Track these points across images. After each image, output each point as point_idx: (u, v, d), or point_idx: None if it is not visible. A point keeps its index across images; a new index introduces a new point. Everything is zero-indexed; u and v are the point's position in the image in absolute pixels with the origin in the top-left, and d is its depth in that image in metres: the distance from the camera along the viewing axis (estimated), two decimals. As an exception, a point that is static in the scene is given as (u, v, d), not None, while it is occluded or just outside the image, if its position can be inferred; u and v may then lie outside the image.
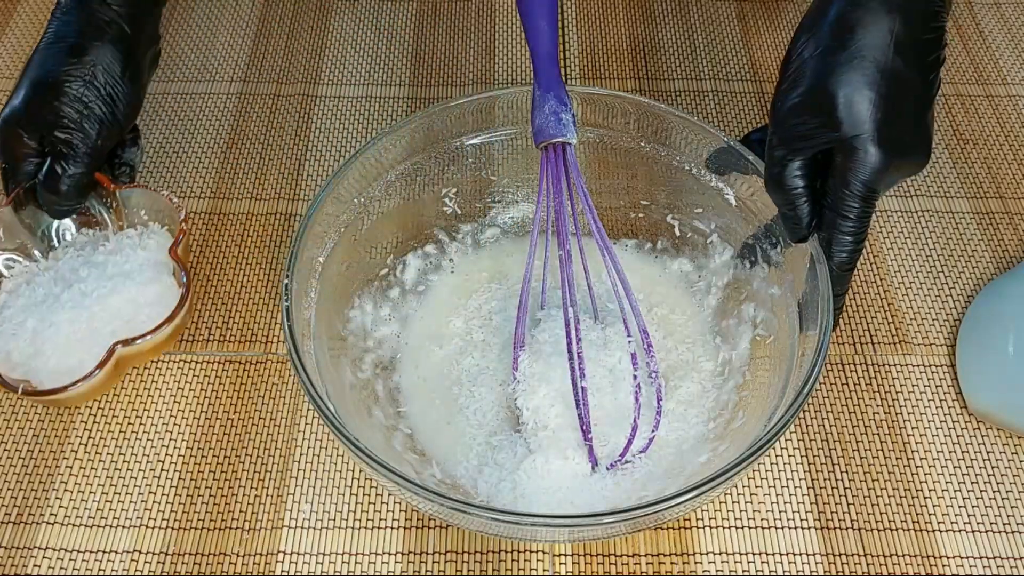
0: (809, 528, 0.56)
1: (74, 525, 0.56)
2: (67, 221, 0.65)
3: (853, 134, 0.49)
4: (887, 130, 0.49)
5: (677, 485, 0.51)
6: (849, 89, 0.49)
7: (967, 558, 0.55)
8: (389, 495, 0.57)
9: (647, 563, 0.55)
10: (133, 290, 0.60)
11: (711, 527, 0.56)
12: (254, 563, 0.55)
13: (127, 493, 0.58)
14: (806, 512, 0.57)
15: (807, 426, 0.61)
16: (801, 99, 0.51)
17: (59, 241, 0.65)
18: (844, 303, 0.55)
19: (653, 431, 0.56)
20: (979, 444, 0.60)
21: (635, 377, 0.56)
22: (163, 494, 0.58)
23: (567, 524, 0.48)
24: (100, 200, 0.64)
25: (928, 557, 0.55)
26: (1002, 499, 0.57)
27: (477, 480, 0.56)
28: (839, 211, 0.51)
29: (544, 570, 0.55)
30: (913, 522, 0.57)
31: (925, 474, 0.58)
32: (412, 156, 0.62)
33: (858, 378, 0.63)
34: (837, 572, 0.55)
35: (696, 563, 0.55)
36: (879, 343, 0.64)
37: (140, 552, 0.55)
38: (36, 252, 0.64)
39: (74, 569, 0.55)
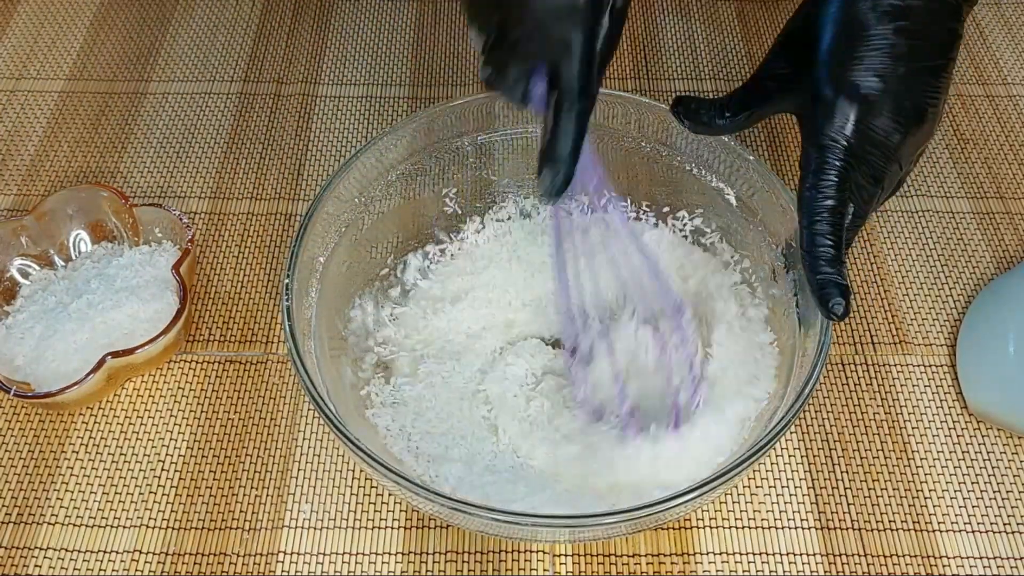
0: (809, 528, 0.56)
1: (74, 525, 0.56)
2: (83, 233, 0.66)
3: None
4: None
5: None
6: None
7: (967, 558, 0.55)
8: (389, 495, 0.57)
9: (647, 563, 0.55)
10: (136, 305, 0.61)
11: (711, 527, 0.56)
12: (254, 563, 0.55)
13: (127, 493, 0.58)
14: (806, 512, 0.57)
15: (807, 426, 0.61)
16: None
17: (77, 252, 0.66)
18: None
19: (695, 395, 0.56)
20: (979, 444, 0.60)
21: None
22: (163, 494, 0.58)
23: (567, 524, 0.48)
24: (117, 216, 0.66)
25: (928, 557, 0.55)
26: (1002, 499, 0.57)
27: (477, 480, 0.56)
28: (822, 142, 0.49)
29: (544, 570, 0.55)
30: (913, 522, 0.57)
31: (925, 474, 0.58)
32: (413, 156, 0.62)
33: (858, 378, 0.63)
34: (837, 572, 0.55)
35: (696, 563, 0.55)
36: (879, 343, 0.64)
37: (140, 552, 0.55)
38: (57, 260, 0.65)
39: (74, 569, 0.55)
